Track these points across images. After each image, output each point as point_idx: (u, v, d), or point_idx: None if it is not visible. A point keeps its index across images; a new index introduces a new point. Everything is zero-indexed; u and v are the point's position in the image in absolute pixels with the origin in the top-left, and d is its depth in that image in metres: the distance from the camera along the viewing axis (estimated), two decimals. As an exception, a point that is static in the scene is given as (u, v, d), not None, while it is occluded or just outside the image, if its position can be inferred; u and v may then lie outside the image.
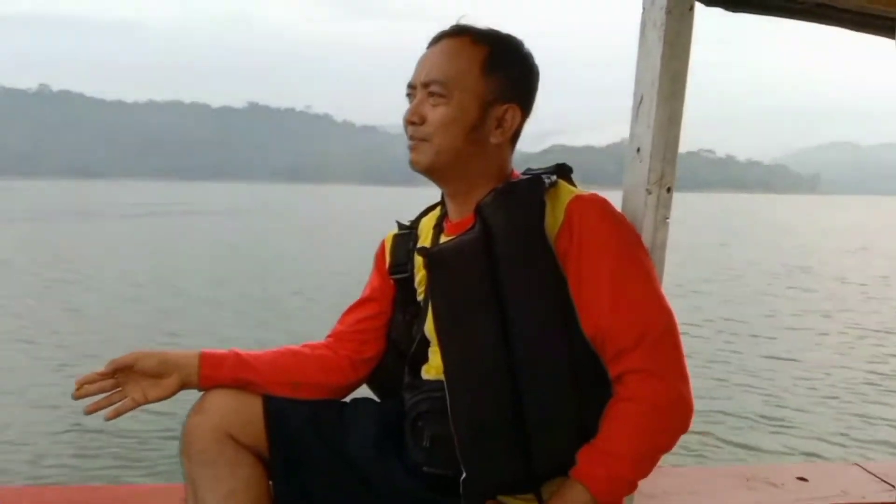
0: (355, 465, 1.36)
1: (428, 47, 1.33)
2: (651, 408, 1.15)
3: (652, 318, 1.19)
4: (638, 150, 1.38)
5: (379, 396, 1.54)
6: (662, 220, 1.35)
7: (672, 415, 1.17)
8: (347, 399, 1.48)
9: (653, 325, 1.18)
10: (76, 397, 1.29)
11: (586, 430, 1.17)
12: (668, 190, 1.35)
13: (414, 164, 1.31)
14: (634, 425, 1.15)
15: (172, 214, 39.72)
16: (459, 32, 1.30)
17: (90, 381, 1.29)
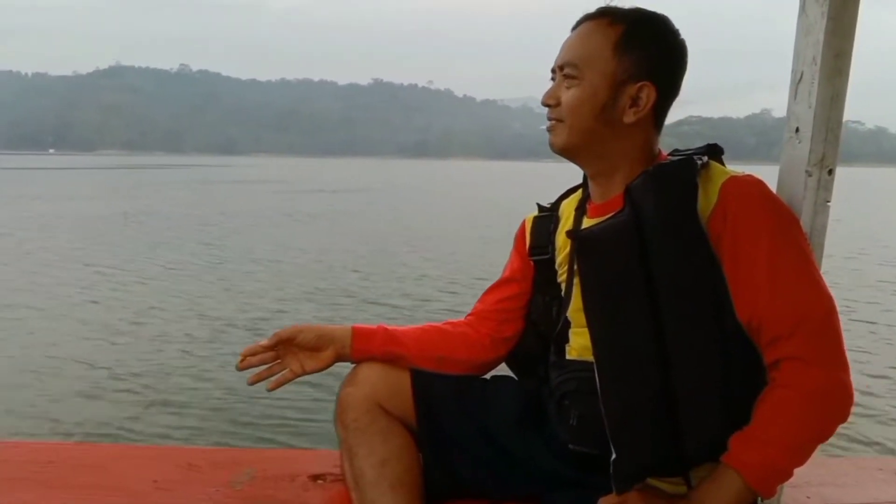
0: (497, 438, 1.41)
1: (571, 31, 1.34)
2: (810, 396, 1.11)
3: (811, 303, 1.15)
4: (797, 129, 1.32)
5: (517, 375, 1.57)
6: (823, 204, 1.29)
7: (831, 403, 1.13)
8: (487, 376, 1.53)
9: (812, 310, 1.14)
10: (240, 368, 1.40)
11: (738, 417, 1.15)
12: (830, 172, 1.28)
13: (551, 146, 1.35)
14: (792, 413, 1.12)
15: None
16: (600, 14, 1.31)
17: (253, 353, 1.40)
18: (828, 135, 1.28)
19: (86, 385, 6.38)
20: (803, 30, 1.32)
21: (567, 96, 1.30)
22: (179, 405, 5.92)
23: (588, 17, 1.32)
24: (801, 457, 1.14)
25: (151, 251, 14.72)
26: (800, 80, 1.32)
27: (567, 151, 1.34)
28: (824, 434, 1.14)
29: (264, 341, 1.41)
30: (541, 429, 1.42)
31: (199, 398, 6.08)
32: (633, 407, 1.18)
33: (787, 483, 1.18)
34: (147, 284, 11.17)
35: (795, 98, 1.33)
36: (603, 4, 1.32)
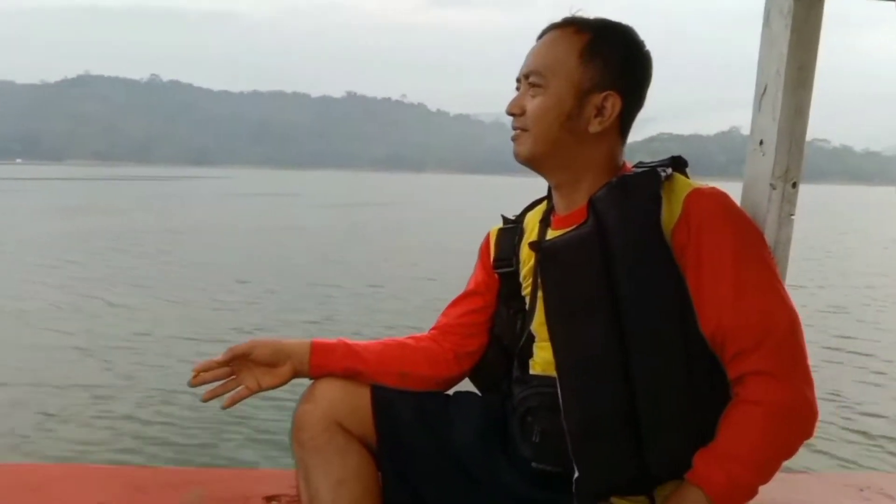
0: (460, 457, 1.37)
1: (536, 40, 1.33)
2: (774, 411, 1.10)
3: (775, 317, 1.13)
4: (761, 142, 1.32)
5: (480, 390, 1.54)
6: (787, 217, 1.29)
7: (796, 419, 1.12)
8: (450, 392, 1.49)
9: (776, 325, 1.13)
10: (193, 384, 1.33)
11: (702, 433, 1.13)
12: (794, 185, 1.28)
13: (516, 155, 1.33)
14: (757, 429, 1.10)
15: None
16: (566, 24, 1.31)
17: (207, 369, 1.34)
18: (792, 147, 1.28)
19: (31, 401, 6.20)
20: (767, 42, 1.32)
21: (532, 105, 1.28)
22: (126, 422, 5.76)
23: (554, 27, 1.31)
24: (766, 474, 1.12)
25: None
26: (764, 92, 1.31)
27: (532, 161, 1.32)
28: (789, 450, 1.13)
29: (219, 356, 1.36)
30: (504, 447, 1.38)
31: (148, 415, 5.93)
32: (596, 423, 1.16)
33: (751, 500, 1.16)
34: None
35: (760, 110, 1.33)
36: (569, 16, 1.31)
